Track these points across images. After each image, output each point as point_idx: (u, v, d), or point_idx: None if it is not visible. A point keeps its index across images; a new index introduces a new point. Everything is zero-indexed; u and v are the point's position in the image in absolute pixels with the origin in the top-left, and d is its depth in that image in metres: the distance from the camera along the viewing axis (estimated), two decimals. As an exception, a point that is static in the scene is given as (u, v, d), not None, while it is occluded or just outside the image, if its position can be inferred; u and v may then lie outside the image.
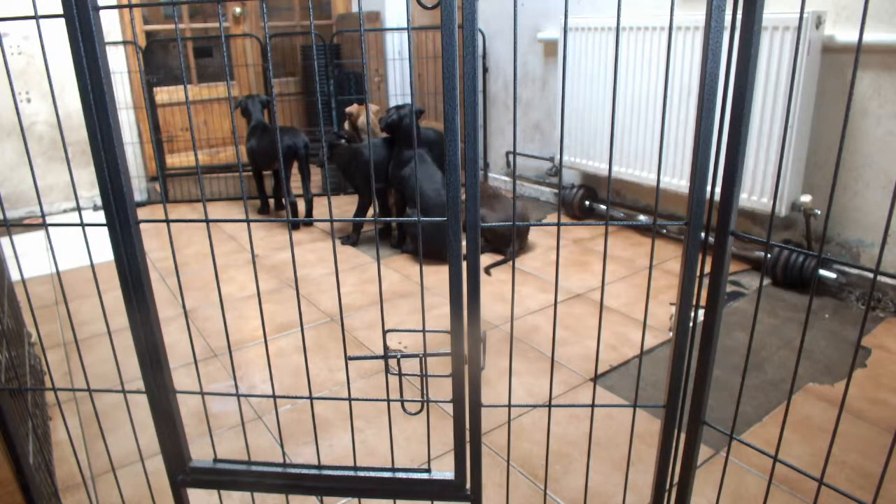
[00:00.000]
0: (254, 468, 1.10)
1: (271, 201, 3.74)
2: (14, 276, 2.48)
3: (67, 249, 3.05)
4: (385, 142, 3.07)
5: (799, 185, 2.47)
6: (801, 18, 0.78)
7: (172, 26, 4.06)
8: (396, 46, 4.30)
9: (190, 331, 1.08)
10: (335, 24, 4.50)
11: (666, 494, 1.10)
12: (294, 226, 3.40)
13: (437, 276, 2.70)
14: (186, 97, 0.94)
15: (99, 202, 3.89)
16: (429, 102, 4.20)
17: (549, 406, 1.03)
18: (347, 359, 1.01)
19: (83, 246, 2.85)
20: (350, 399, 1.03)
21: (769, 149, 2.43)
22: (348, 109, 3.38)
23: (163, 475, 1.11)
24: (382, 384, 1.92)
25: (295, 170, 3.49)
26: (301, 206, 3.55)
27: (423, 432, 1.68)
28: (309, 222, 3.41)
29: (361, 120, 3.42)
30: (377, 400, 1.04)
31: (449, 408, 1.77)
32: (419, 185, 2.76)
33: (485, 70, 3.89)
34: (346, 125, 3.25)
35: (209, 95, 4.19)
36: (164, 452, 1.09)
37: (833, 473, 1.50)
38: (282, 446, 1.66)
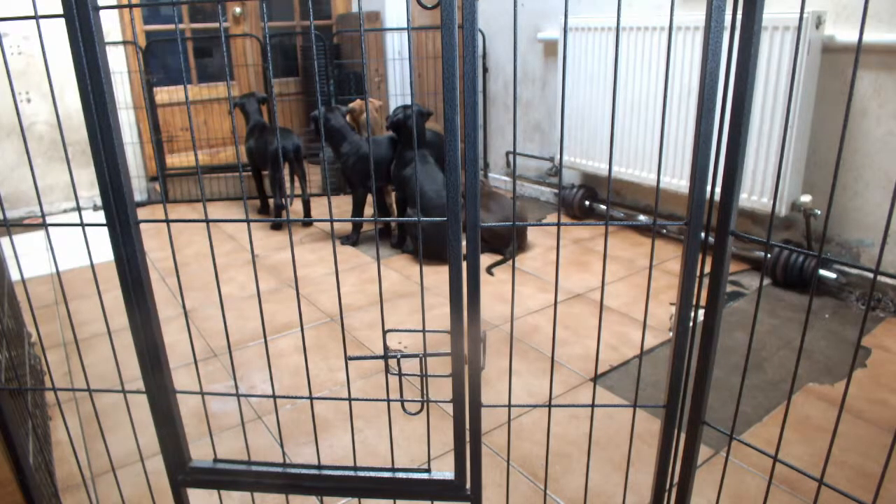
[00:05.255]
0: (254, 468, 1.10)
1: (271, 201, 3.74)
2: (14, 276, 2.48)
3: (67, 249, 3.05)
4: (389, 140, 3.07)
5: (799, 185, 2.47)
6: (801, 18, 0.78)
7: (172, 26, 4.06)
8: (396, 46, 4.30)
9: (190, 331, 1.08)
10: (335, 24, 4.50)
11: (666, 494, 1.10)
12: (277, 226, 3.39)
13: (437, 276, 2.70)
14: (186, 97, 0.94)
15: (99, 202, 3.89)
16: (429, 102, 4.20)
17: (549, 406, 1.03)
18: (347, 359, 1.01)
19: (83, 246, 2.85)
20: (350, 399, 1.03)
21: (769, 149, 2.43)
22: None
23: (163, 475, 1.11)
24: (382, 384, 1.92)
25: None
26: (298, 206, 3.55)
27: (423, 432, 1.68)
28: (308, 222, 3.41)
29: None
30: (377, 400, 1.04)
31: (449, 408, 1.77)
32: (420, 185, 2.76)
33: (485, 70, 3.89)
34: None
35: (209, 95, 4.19)
36: (164, 452, 1.09)
37: (833, 473, 1.50)
38: (282, 446, 1.66)
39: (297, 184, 3.54)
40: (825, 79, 2.35)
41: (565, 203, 3.41)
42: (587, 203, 3.35)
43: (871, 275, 2.09)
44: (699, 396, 1.02)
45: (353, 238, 3.14)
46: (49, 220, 3.81)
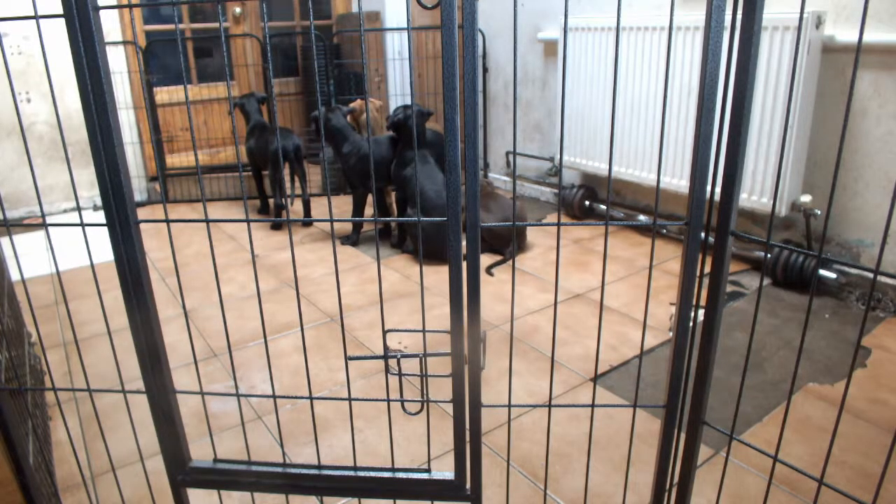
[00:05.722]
0: (254, 468, 1.10)
1: (271, 201, 3.74)
2: (14, 276, 2.48)
3: (67, 249, 3.05)
4: (389, 140, 3.07)
5: (799, 185, 2.47)
6: (801, 18, 0.78)
7: (172, 26, 4.06)
8: (396, 46, 4.30)
9: (190, 331, 1.08)
10: (335, 24, 4.50)
11: (666, 494, 1.10)
12: (277, 226, 3.39)
13: (437, 276, 2.70)
14: (186, 97, 0.94)
15: (99, 202, 3.89)
16: (429, 102, 4.20)
17: (549, 406, 1.03)
18: (347, 359, 1.01)
19: (83, 246, 2.85)
20: (350, 399, 1.03)
21: (769, 149, 2.43)
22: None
23: (163, 475, 1.11)
24: (382, 384, 1.92)
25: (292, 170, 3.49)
26: (298, 206, 3.55)
27: (423, 432, 1.68)
28: (308, 222, 3.41)
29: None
30: (377, 400, 1.04)
31: (449, 408, 1.77)
32: (420, 185, 2.75)
33: (485, 70, 3.89)
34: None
35: (209, 95, 4.19)
36: (164, 452, 1.09)
37: (833, 473, 1.50)
38: (282, 446, 1.66)
39: (297, 184, 3.54)
40: (825, 79, 2.35)
41: (565, 203, 3.41)
42: (587, 203, 3.35)
43: (871, 275, 2.09)
44: (699, 396, 1.02)
45: (353, 238, 3.14)
46: (49, 220, 3.81)
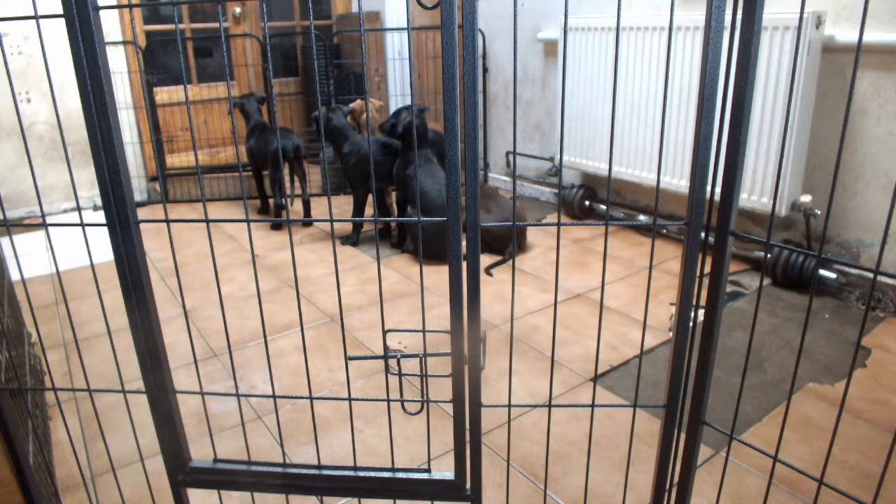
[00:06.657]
0: (254, 468, 1.10)
1: (271, 201, 3.74)
2: (14, 276, 2.48)
3: (67, 249, 3.05)
4: (379, 144, 3.07)
5: (799, 185, 2.47)
6: (801, 18, 0.78)
7: (172, 26, 4.06)
8: (396, 46, 4.30)
9: (190, 331, 1.08)
10: (335, 24, 4.50)
11: (666, 494, 1.10)
12: (277, 226, 3.39)
13: (437, 276, 2.70)
14: (186, 97, 0.94)
15: (99, 202, 3.89)
16: (429, 102, 4.20)
17: (549, 406, 1.03)
18: (347, 359, 1.01)
19: (83, 246, 2.85)
20: (350, 399, 1.03)
21: (769, 149, 2.43)
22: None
23: (163, 475, 1.11)
24: (382, 384, 1.92)
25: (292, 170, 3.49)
26: (298, 206, 3.55)
27: (423, 432, 1.68)
28: (308, 222, 3.41)
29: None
30: (377, 400, 1.04)
31: (449, 408, 1.77)
32: (422, 185, 2.75)
33: (485, 70, 3.89)
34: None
35: (209, 95, 4.19)
36: (164, 452, 1.09)
37: (833, 473, 1.50)
38: (282, 446, 1.66)
39: (297, 184, 3.54)
40: (825, 79, 2.35)
41: (565, 203, 3.41)
42: (587, 203, 3.35)
43: (871, 275, 2.09)
44: (699, 396, 1.02)
45: (354, 238, 3.14)
46: (49, 220, 3.81)
